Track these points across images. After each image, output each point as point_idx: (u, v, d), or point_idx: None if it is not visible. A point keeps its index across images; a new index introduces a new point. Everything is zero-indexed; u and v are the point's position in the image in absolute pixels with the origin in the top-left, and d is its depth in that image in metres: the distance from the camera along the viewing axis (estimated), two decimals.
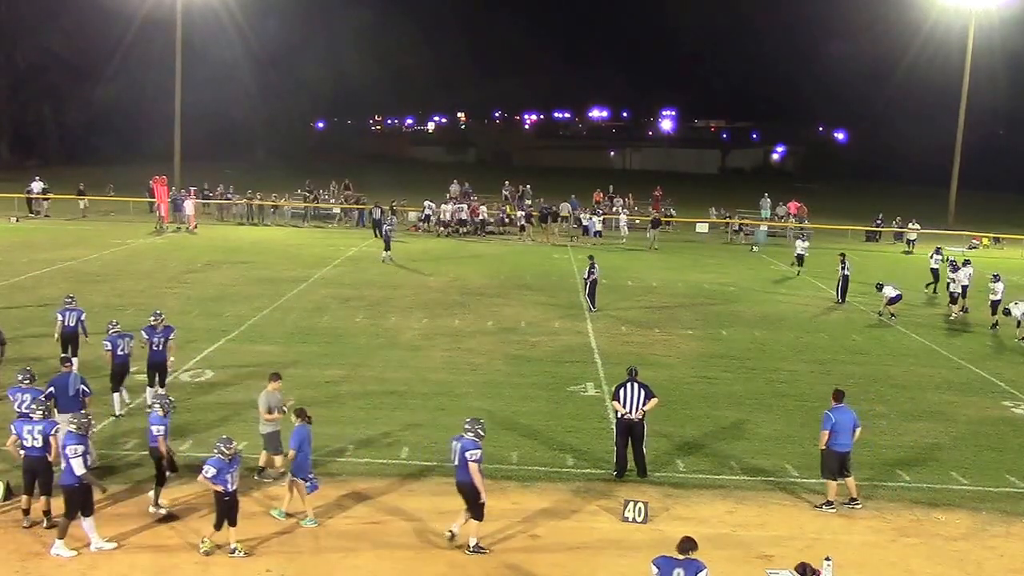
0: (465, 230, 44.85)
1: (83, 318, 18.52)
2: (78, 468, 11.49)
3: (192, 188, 45.96)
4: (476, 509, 12.15)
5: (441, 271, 33.43)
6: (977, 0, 48.77)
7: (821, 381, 20.63)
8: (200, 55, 66.74)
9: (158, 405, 12.95)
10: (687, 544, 9.44)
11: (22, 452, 12.26)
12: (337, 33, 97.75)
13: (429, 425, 16.71)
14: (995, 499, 14.44)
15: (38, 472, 12.21)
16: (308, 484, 12.62)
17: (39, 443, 12.16)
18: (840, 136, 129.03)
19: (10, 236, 37.95)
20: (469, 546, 12.10)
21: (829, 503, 13.70)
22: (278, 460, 13.75)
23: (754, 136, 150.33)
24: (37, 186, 45.68)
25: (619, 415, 14.61)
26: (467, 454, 12.05)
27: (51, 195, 46.13)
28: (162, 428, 12.76)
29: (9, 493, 12.93)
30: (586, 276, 27.25)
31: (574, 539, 12.57)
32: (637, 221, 49.68)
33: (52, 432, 12.25)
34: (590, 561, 12.02)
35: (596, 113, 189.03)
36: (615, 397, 14.71)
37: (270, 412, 13.76)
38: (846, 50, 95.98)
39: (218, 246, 37.86)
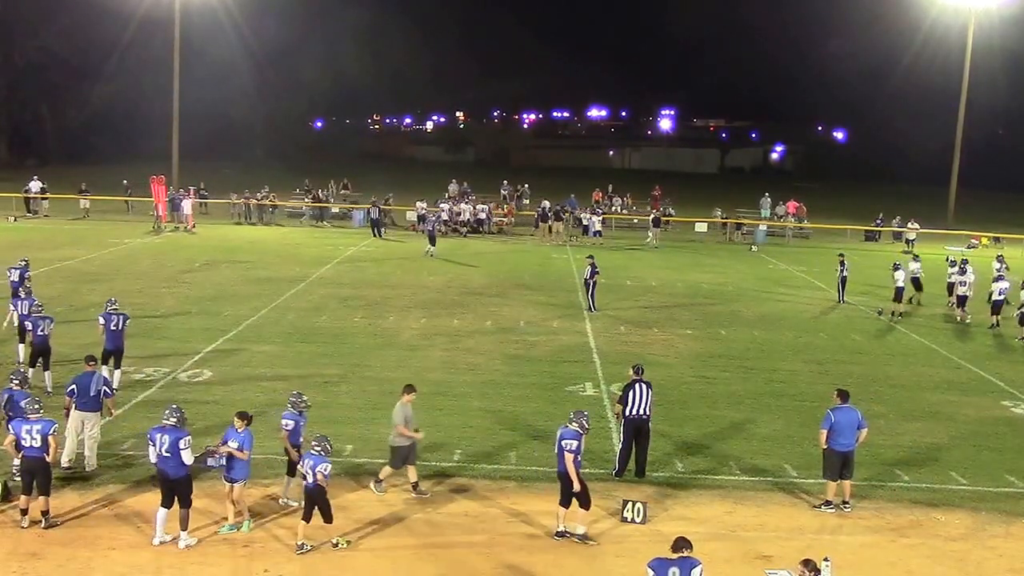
0: (465, 229, 44.73)
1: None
2: (188, 458, 11.79)
3: (191, 188, 45.93)
4: (581, 498, 12.34)
5: (440, 271, 33.41)
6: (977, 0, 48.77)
7: (820, 381, 20.63)
8: (199, 54, 66.70)
9: (290, 404, 13.23)
10: (681, 543, 9.41)
11: (20, 453, 12.24)
12: (335, 32, 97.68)
13: (427, 425, 16.62)
14: (994, 499, 14.42)
15: (36, 472, 12.18)
16: (214, 460, 12.48)
17: (37, 443, 12.14)
18: (839, 135, 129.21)
19: (8, 236, 37.88)
20: (576, 534, 12.34)
21: (828, 503, 13.67)
22: (411, 472, 13.66)
23: (753, 135, 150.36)
24: (35, 185, 45.63)
25: (627, 415, 14.55)
26: (563, 443, 12.25)
27: (49, 195, 46.09)
28: (291, 423, 12.95)
29: (7, 493, 12.91)
30: (588, 277, 27.12)
31: (573, 539, 12.53)
32: (635, 220, 49.78)
33: (50, 432, 12.23)
34: (589, 561, 12.00)
35: (595, 112, 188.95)
36: (622, 400, 14.63)
37: (405, 425, 13.58)
38: (845, 49, 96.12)
39: (216, 246, 37.83)
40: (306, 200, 48.32)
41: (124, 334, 18.15)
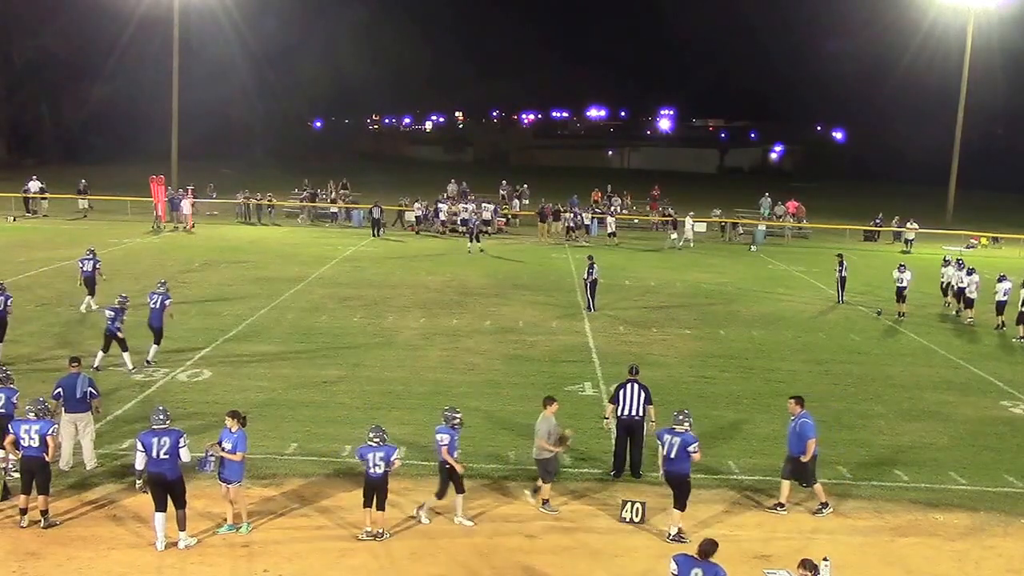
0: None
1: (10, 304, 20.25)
2: (186, 456, 11.99)
3: (190, 187, 45.89)
4: (683, 499, 12.70)
5: (439, 271, 33.40)
6: None
7: (819, 381, 20.67)
8: (197, 54, 66.76)
9: (443, 419, 12.99)
10: (710, 547, 9.42)
11: (19, 452, 12.25)
12: (335, 32, 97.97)
13: (426, 425, 16.62)
14: (993, 499, 14.44)
15: (36, 472, 12.19)
16: (201, 467, 12.50)
17: (36, 443, 12.16)
18: (838, 135, 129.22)
19: (7, 236, 37.88)
20: (670, 534, 12.50)
21: (825, 504, 13.65)
22: (546, 488, 13.42)
23: (752, 135, 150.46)
24: (34, 185, 45.56)
25: (619, 415, 14.55)
26: (689, 448, 12.59)
27: (48, 195, 46.05)
28: (446, 438, 12.67)
29: (7, 493, 12.92)
30: (585, 276, 27.19)
31: (571, 539, 12.55)
32: (636, 220, 49.81)
33: (49, 432, 12.24)
34: (587, 561, 12.00)
35: (594, 112, 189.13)
36: (614, 399, 14.67)
37: (548, 438, 13.33)
38: (844, 49, 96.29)
39: (215, 246, 37.83)
40: (337, 198, 48.64)
41: (163, 314, 19.77)
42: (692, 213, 45.32)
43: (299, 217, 47.74)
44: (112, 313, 18.95)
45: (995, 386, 20.96)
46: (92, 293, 24.64)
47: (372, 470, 12.18)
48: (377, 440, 12.22)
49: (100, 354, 19.06)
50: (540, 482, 13.48)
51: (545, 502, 13.42)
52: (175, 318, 20.93)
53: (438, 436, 12.77)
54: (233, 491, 12.30)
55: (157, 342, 19.85)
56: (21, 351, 20.00)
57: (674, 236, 43.20)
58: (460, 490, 12.86)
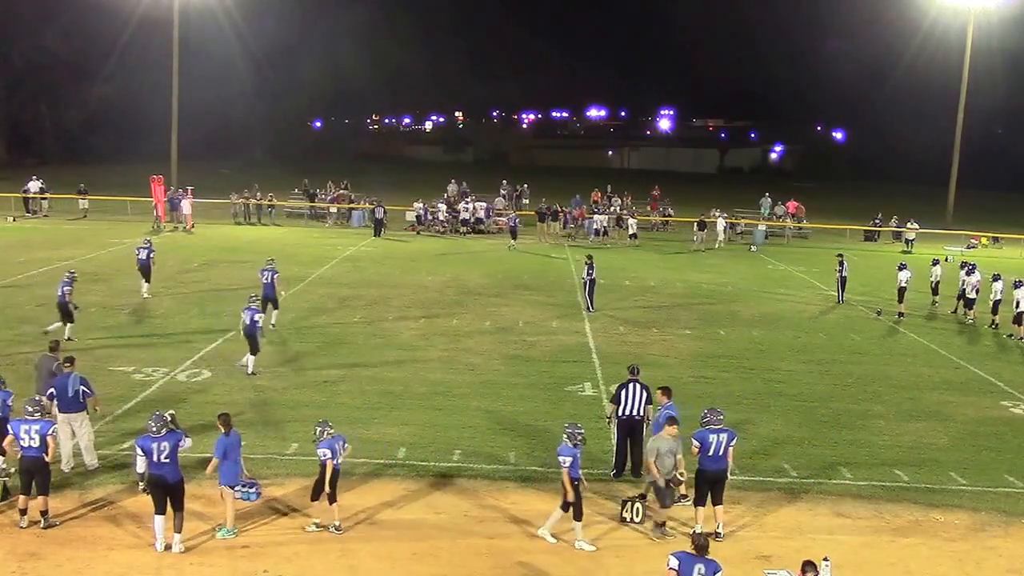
0: (465, 229, 44.77)
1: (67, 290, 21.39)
2: (187, 444, 12.20)
3: (190, 187, 45.86)
4: (722, 493, 12.87)
5: (439, 271, 33.39)
6: None
7: (819, 381, 20.66)
8: (197, 54, 66.64)
9: (566, 436, 12.35)
10: (705, 542, 9.55)
11: (18, 452, 12.24)
12: (334, 32, 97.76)
13: (426, 425, 16.68)
14: (994, 499, 14.43)
15: (35, 472, 12.18)
16: (241, 493, 12.48)
17: (36, 443, 12.14)
18: (838, 135, 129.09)
19: (7, 236, 37.87)
20: (720, 533, 12.59)
21: (684, 496, 13.45)
22: (661, 512, 12.91)
23: (752, 135, 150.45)
24: (34, 185, 45.53)
25: (620, 415, 14.54)
26: (733, 443, 12.84)
27: (48, 195, 45.99)
28: (569, 459, 12.15)
29: (6, 493, 12.90)
30: (584, 276, 27.20)
31: (571, 539, 12.52)
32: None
33: (49, 432, 12.23)
34: (588, 561, 11.99)
35: (594, 112, 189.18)
36: (615, 399, 14.66)
37: (656, 460, 12.73)
38: (845, 49, 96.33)
39: (215, 245, 37.81)
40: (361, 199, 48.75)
41: (275, 285, 22.95)
42: (726, 213, 45.11)
43: (326, 220, 47.42)
44: (256, 315, 19.14)
45: (995, 386, 20.95)
46: (147, 280, 26.60)
47: (338, 461, 12.36)
48: (333, 431, 12.43)
49: (250, 358, 19.22)
50: (660, 509, 12.93)
51: (657, 526, 12.83)
52: (176, 317, 20.92)
53: (560, 457, 12.20)
54: (221, 492, 12.30)
55: (276, 308, 23.25)
56: (21, 350, 19.97)
57: (696, 239, 43.12)
58: (565, 509, 12.33)
